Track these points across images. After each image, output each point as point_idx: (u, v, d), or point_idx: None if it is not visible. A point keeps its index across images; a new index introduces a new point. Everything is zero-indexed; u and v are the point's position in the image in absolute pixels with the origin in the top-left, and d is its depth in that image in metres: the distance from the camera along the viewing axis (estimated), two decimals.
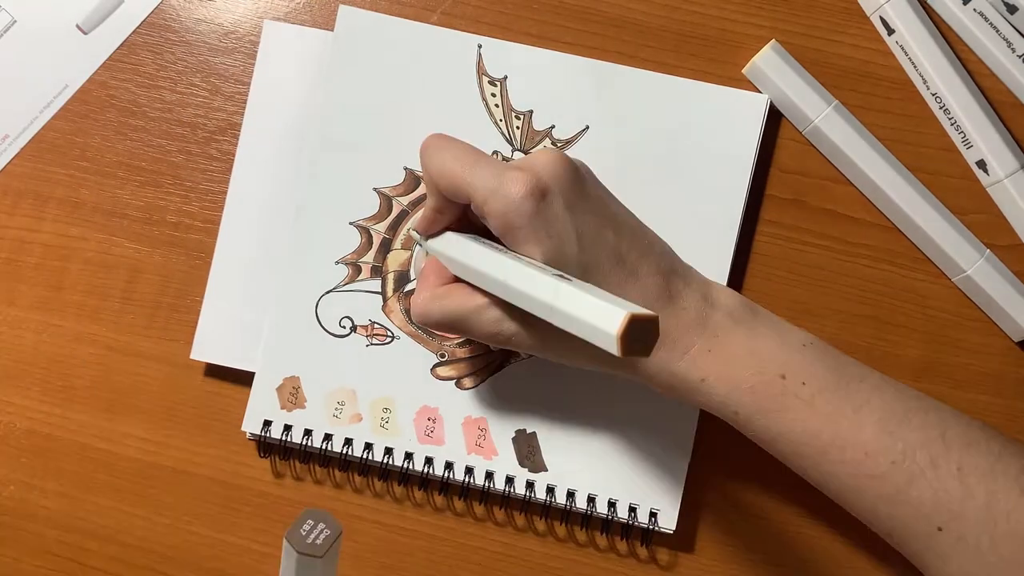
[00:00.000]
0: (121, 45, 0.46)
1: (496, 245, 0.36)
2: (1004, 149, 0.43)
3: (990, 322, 0.44)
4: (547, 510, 0.44)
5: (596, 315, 0.28)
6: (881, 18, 0.44)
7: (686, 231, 0.43)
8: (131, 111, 0.46)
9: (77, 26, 0.46)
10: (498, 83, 0.44)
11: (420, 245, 0.40)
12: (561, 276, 0.32)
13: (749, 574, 0.45)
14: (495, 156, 0.43)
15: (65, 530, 0.45)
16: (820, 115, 0.43)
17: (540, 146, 0.44)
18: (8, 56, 0.46)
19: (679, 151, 0.44)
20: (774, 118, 0.45)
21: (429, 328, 0.37)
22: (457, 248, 0.37)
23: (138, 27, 0.46)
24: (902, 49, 0.44)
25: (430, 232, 0.39)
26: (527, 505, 0.44)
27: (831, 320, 0.45)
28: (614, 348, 0.27)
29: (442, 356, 0.44)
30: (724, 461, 0.44)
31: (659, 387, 0.37)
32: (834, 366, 0.36)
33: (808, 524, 0.45)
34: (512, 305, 0.34)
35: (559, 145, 0.44)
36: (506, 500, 0.44)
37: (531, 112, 0.44)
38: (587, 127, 0.44)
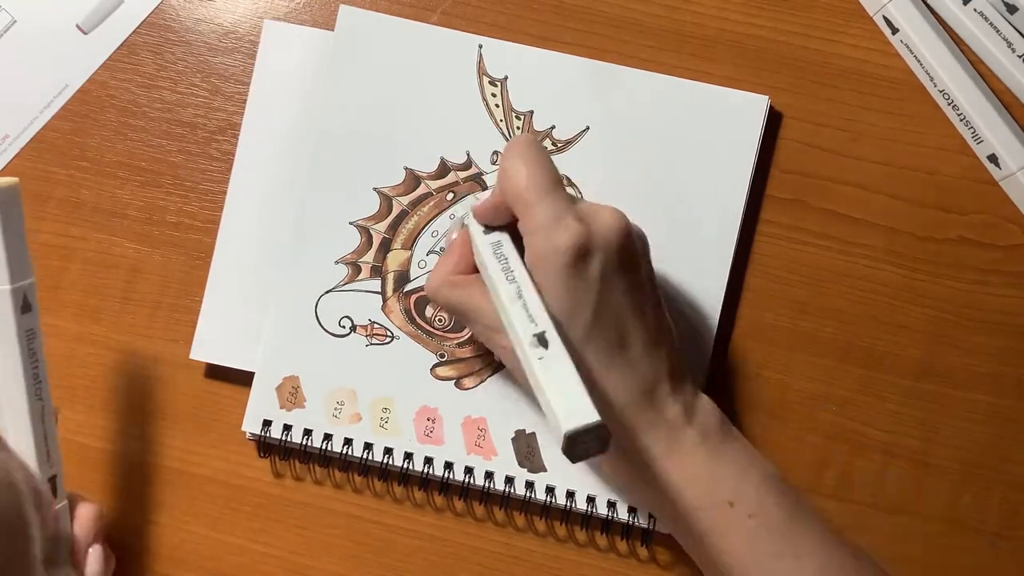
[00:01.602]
0: (121, 45, 0.46)
1: (524, 267, 0.36)
2: (1015, 142, 0.43)
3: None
4: (547, 510, 0.44)
5: (558, 401, 0.31)
6: (884, 17, 0.44)
7: (686, 231, 0.43)
8: (131, 111, 0.46)
9: (77, 26, 0.46)
10: (498, 83, 0.44)
11: (466, 224, 0.40)
12: (558, 334, 0.33)
13: None
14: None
15: None
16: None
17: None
18: (8, 56, 0.46)
19: (679, 151, 0.44)
20: (774, 118, 0.45)
21: (437, 304, 0.39)
22: (491, 251, 0.37)
23: (138, 27, 0.46)
24: (907, 47, 0.44)
25: (484, 221, 0.38)
26: (527, 505, 0.44)
27: (831, 320, 0.45)
28: (560, 443, 0.30)
29: (441, 356, 0.44)
30: None
31: (616, 475, 0.39)
32: (788, 507, 0.36)
33: None
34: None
35: (559, 145, 0.44)
36: (506, 500, 0.44)
37: (531, 112, 0.44)
38: (587, 128, 0.44)
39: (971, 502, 0.44)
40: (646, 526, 0.43)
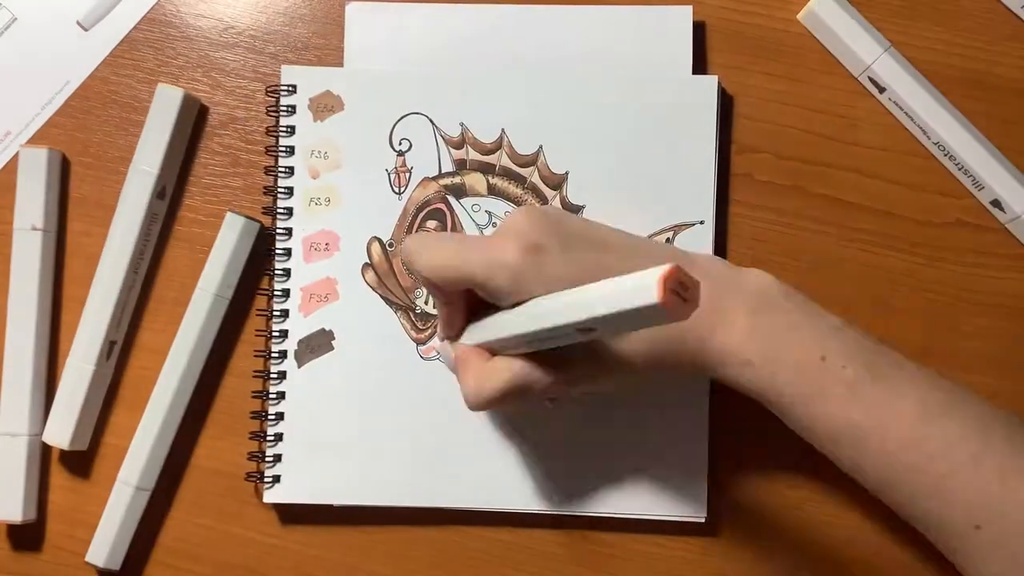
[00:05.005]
0: (122, 41, 0.46)
1: (512, 309, 0.35)
2: (1017, 185, 0.43)
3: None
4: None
5: (632, 286, 0.27)
6: (870, 78, 0.44)
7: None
8: (133, 107, 0.46)
9: (78, 23, 0.46)
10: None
11: (442, 347, 0.40)
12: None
13: (774, 559, 0.45)
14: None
15: (70, 524, 0.45)
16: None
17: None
18: (9, 53, 0.46)
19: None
20: (774, 105, 0.45)
21: (489, 408, 0.37)
22: (485, 332, 0.37)
23: (138, 23, 0.46)
24: (896, 105, 0.44)
25: (454, 329, 0.39)
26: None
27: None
28: (654, 296, 0.25)
29: None
30: (740, 462, 0.45)
31: (700, 369, 0.37)
32: (872, 351, 0.35)
33: (818, 498, 0.45)
34: (551, 358, 0.34)
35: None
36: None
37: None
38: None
39: None
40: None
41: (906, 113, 0.44)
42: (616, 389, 0.43)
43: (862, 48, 0.44)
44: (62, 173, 0.46)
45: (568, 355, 0.34)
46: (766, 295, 0.36)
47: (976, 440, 0.34)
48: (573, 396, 0.43)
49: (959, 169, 0.44)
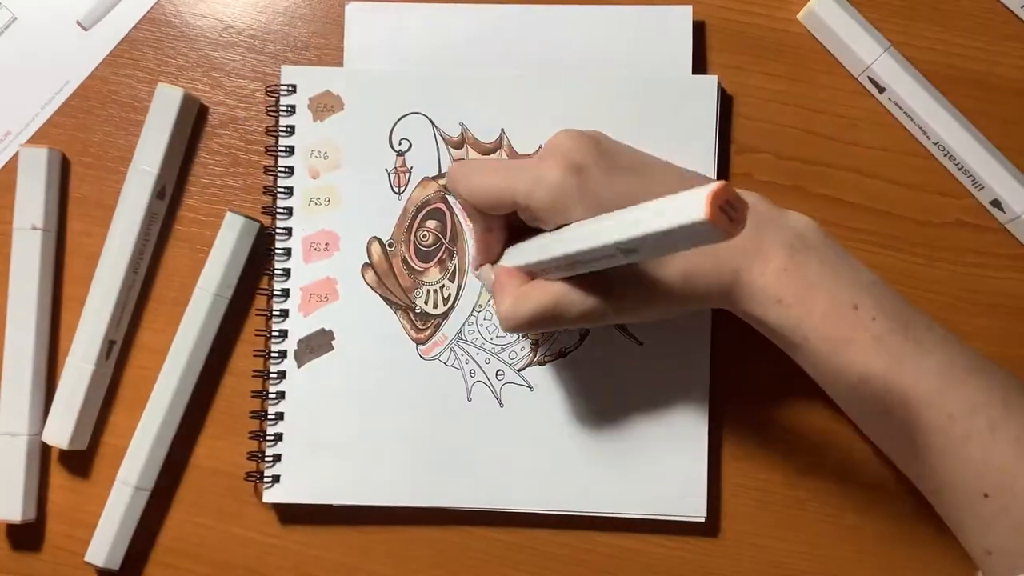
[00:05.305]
0: (122, 41, 0.46)
1: (554, 231, 0.36)
2: (1017, 185, 0.43)
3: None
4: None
5: (682, 203, 0.26)
6: (869, 78, 0.44)
7: None
8: (132, 106, 0.46)
9: (78, 22, 0.46)
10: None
11: (482, 271, 0.41)
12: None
13: (779, 556, 0.45)
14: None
15: (70, 524, 0.45)
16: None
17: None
18: (9, 53, 0.46)
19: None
20: (774, 105, 0.45)
21: (521, 331, 0.38)
22: (525, 255, 0.37)
23: (138, 23, 0.46)
24: (896, 105, 0.44)
25: (491, 256, 0.40)
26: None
27: None
28: (703, 213, 0.25)
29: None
30: (745, 457, 0.45)
31: (729, 302, 0.37)
32: (903, 309, 0.36)
33: (818, 491, 0.45)
34: (588, 282, 0.35)
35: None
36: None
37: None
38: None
39: None
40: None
41: (906, 113, 0.44)
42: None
43: (862, 48, 0.44)
44: (62, 172, 0.46)
45: (606, 281, 0.35)
46: (806, 237, 0.36)
47: (998, 408, 0.34)
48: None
49: (959, 169, 0.44)
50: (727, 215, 0.25)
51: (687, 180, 0.38)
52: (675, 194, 0.27)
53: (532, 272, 0.37)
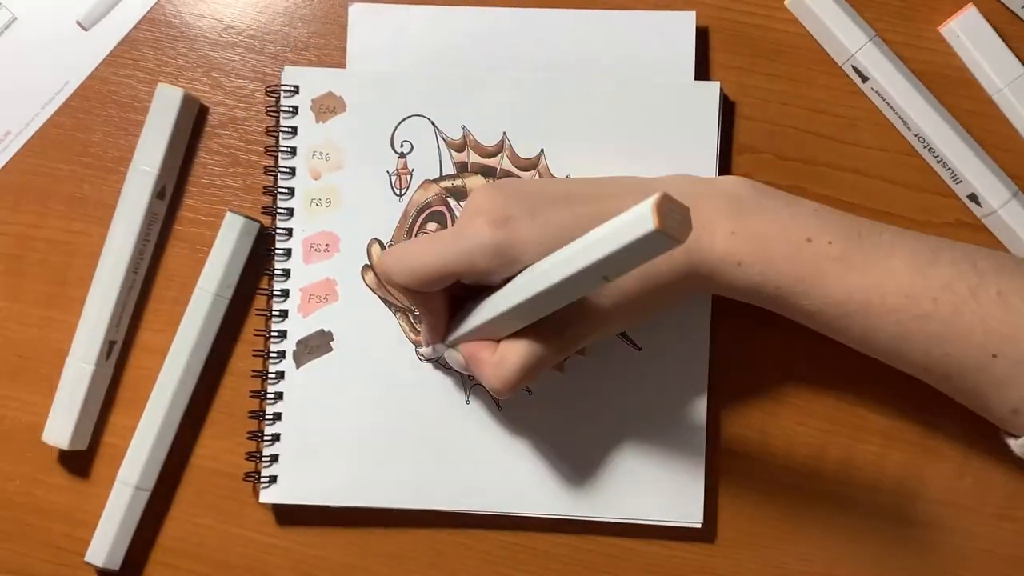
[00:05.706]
0: (122, 41, 0.46)
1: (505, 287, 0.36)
2: (994, 180, 0.43)
3: None
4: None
5: (629, 221, 0.28)
6: (853, 67, 0.44)
7: None
8: (132, 106, 0.46)
9: (78, 22, 0.46)
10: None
11: (448, 354, 0.41)
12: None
13: (776, 561, 0.45)
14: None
15: (71, 524, 0.46)
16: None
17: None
18: (9, 53, 0.46)
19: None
20: (774, 105, 0.45)
21: (519, 389, 0.38)
22: (478, 319, 0.37)
23: (138, 23, 0.46)
24: (878, 95, 0.44)
25: (440, 332, 0.40)
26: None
27: None
28: (651, 224, 0.26)
29: None
30: (745, 462, 0.45)
31: (696, 285, 0.38)
32: (851, 222, 0.37)
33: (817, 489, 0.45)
34: (557, 315, 0.35)
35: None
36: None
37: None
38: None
39: (972, 485, 0.44)
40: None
41: (887, 103, 0.44)
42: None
43: (846, 36, 0.44)
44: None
45: (564, 319, 0.35)
46: (740, 196, 0.37)
47: (971, 274, 0.35)
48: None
49: (937, 162, 0.44)
50: (673, 219, 0.27)
51: (616, 195, 0.37)
52: (618, 216, 0.28)
53: (490, 336, 0.37)
